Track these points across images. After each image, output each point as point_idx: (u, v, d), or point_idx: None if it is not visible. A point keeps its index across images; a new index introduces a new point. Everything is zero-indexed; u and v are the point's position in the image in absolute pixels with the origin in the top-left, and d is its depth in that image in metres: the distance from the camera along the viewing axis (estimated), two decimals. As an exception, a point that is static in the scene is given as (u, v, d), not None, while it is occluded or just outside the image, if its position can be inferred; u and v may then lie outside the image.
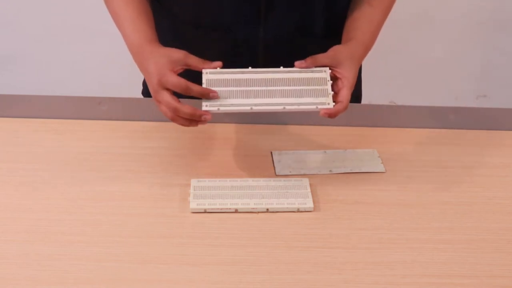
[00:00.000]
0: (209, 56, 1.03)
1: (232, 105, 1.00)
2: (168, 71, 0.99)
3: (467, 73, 2.49)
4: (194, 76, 1.02)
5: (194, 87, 0.99)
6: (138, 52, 1.06)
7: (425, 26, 2.39)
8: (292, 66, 1.04)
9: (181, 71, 1.02)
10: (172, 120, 1.00)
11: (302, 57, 1.04)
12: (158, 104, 1.01)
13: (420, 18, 2.37)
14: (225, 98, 1.01)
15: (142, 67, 1.04)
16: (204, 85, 1.01)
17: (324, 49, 1.06)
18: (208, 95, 0.99)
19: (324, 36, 1.22)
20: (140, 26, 1.09)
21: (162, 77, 0.99)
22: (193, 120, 1.00)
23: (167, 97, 0.99)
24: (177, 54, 1.02)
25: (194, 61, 1.02)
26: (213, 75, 1.02)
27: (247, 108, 1.00)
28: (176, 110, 0.99)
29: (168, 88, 0.99)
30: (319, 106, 1.00)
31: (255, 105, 1.00)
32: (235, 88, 1.02)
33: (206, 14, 1.19)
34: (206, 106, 1.00)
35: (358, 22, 1.15)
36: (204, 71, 1.03)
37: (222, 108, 1.00)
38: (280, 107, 1.01)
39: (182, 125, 1.01)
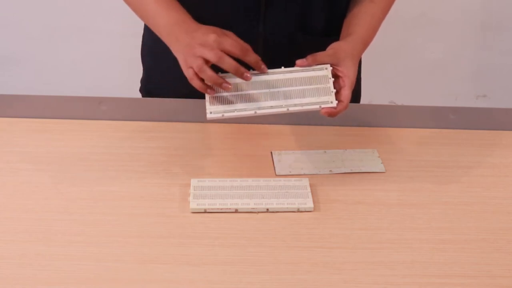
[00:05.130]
0: None
1: (236, 110, 1.01)
2: (227, 33, 1.01)
3: (467, 73, 2.49)
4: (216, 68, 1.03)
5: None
6: (182, 24, 1.05)
7: (425, 26, 2.39)
8: (292, 63, 1.04)
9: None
10: (199, 71, 0.99)
11: (301, 54, 1.04)
12: (194, 59, 0.99)
13: (420, 18, 2.37)
14: (229, 103, 1.02)
15: (187, 35, 1.03)
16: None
17: (323, 47, 1.06)
18: (249, 78, 1.00)
19: (324, 34, 1.22)
20: (177, 5, 1.10)
21: (221, 35, 0.99)
22: (216, 82, 1.00)
23: (223, 48, 0.99)
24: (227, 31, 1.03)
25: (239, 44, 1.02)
26: None
27: (251, 113, 1.01)
28: (222, 58, 0.98)
29: (223, 49, 0.98)
30: (323, 105, 1.01)
31: (259, 108, 1.01)
32: (238, 92, 1.02)
33: (205, 8, 1.19)
34: (210, 113, 1.01)
35: (358, 17, 1.15)
36: None
37: (227, 114, 1.01)
38: (283, 109, 1.01)
39: (202, 83, 1.01)
